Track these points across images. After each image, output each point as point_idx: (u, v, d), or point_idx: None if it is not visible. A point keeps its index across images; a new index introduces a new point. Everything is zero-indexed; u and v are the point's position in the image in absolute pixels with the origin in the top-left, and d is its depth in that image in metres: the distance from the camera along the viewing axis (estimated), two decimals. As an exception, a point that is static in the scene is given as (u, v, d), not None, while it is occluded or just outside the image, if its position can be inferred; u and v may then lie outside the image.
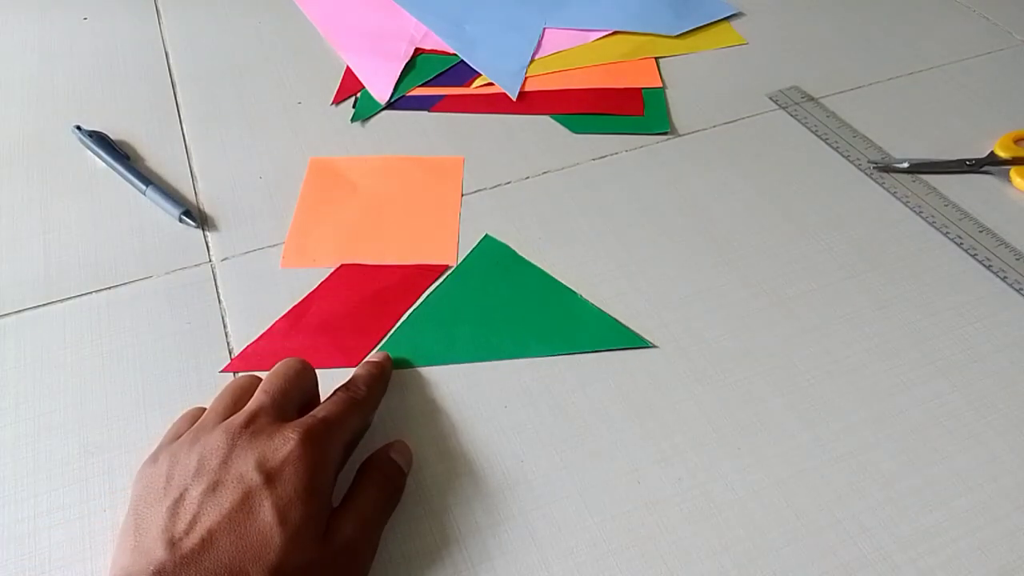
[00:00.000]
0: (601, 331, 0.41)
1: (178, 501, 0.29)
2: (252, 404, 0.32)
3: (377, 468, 0.34)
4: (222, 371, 0.40)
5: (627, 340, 0.41)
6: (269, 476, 0.29)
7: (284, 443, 0.30)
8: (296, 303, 0.43)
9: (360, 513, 0.31)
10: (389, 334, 0.41)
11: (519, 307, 0.42)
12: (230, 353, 0.40)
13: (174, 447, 0.31)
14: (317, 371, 0.36)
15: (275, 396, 0.33)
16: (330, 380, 0.37)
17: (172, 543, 0.27)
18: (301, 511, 0.29)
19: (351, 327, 0.42)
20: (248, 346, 0.41)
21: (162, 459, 0.31)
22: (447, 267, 0.45)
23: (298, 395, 0.34)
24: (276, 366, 0.35)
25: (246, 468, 0.29)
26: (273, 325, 0.42)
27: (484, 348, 0.40)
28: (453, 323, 0.42)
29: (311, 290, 0.43)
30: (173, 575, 0.26)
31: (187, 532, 0.28)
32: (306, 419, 0.32)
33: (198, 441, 0.31)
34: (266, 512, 0.28)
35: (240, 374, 0.38)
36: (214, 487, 0.29)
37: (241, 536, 0.28)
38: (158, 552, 0.27)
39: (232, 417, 0.32)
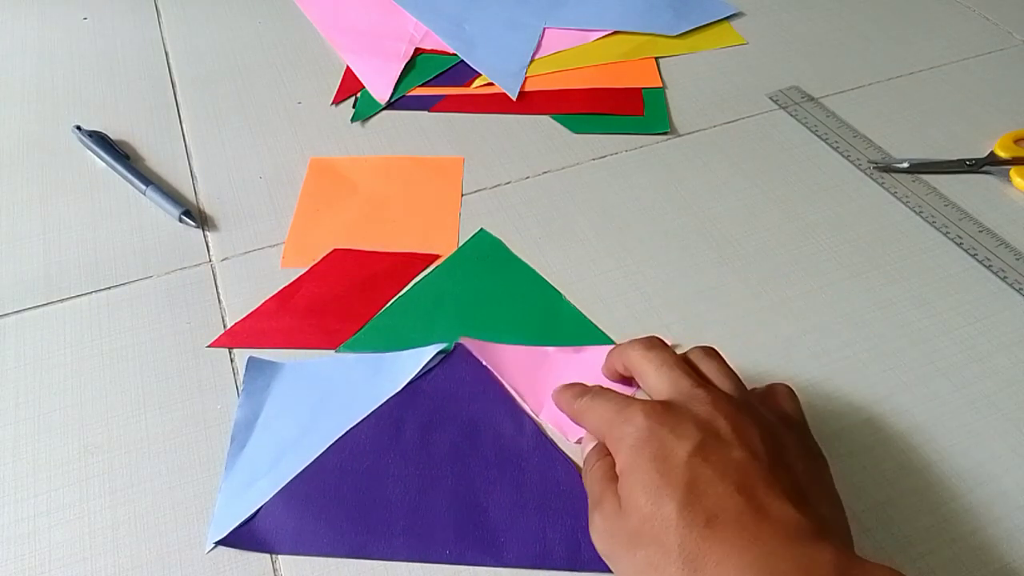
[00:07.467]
0: (576, 332, 0.41)
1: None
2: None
3: None
4: (209, 346, 0.40)
5: (601, 343, 0.41)
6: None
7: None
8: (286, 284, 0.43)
9: None
10: (372, 319, 0.42)
11: (501, 301, 0.42)
12: (230, 352, 0.40)
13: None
14: (299, 351, 0.38)
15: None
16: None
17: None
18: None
19: (337, 311, 0.42)
20: (236, 324, 0.41)
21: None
22: (437, 256, 0.45)
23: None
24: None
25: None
26: (262, 305, 0.42)
27: (459, 338, 0.41)
28: (435, 311, 0.42)
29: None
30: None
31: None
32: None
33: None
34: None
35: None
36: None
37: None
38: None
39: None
